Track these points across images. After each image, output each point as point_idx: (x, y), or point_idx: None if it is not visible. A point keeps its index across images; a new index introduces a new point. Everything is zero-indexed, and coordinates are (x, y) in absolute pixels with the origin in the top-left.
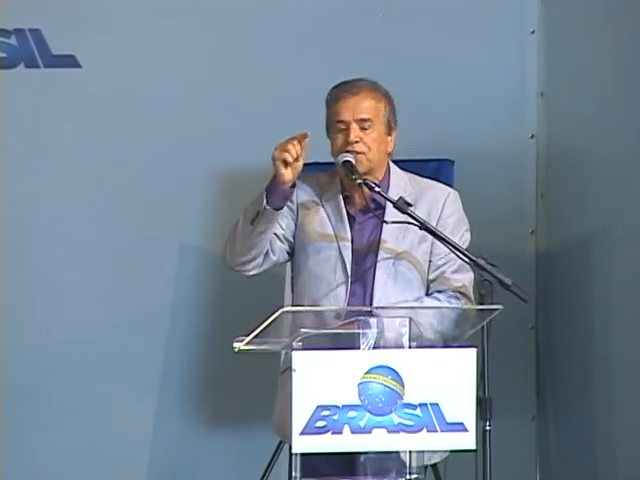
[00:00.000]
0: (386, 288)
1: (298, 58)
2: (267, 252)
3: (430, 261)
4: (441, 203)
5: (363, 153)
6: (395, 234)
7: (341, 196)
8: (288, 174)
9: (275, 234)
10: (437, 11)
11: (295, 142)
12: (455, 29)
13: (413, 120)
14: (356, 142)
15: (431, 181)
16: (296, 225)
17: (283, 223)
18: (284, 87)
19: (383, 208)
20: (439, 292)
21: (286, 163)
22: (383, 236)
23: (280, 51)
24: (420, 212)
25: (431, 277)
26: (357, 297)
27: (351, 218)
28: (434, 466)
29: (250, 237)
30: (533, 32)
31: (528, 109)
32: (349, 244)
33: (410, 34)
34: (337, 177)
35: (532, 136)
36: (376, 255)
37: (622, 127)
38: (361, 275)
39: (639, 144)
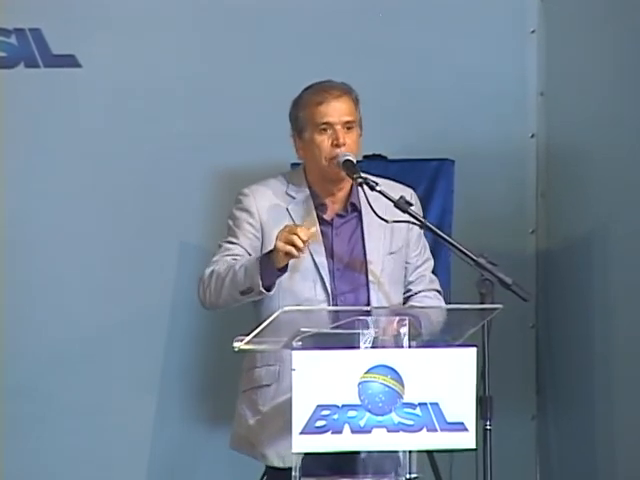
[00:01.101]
0: (381, 290)
1: (298, 57)
2: None
3: (407, 262)
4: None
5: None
6: (376, 239)
7: (313, 204)
8: (286, 261)
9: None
10: (437, 11)
11: (303, 236)
12: (455, 29)
13: (413, 120)
14: (344, 144)
15: (390, 181)
16: (262, 242)
17: (247, 245)
18: (284, 87)
19: (359, 211)
20: (425, 291)
21: (288, 254)
22: (367, 244)
23: (280, 50)
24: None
25: (411, 278)
26: (348, 303)
27: (326, 223)
28: (432, 463)
29: (236, 302)
30: (533, 32)
31: (528, 108)
32: (323, 254)
33: (410, 34)
34: (303, 182)
35: (532, 135)
36: (364, 254)
37: (622, 126)
38: (352, 279)
39: (639, 143)
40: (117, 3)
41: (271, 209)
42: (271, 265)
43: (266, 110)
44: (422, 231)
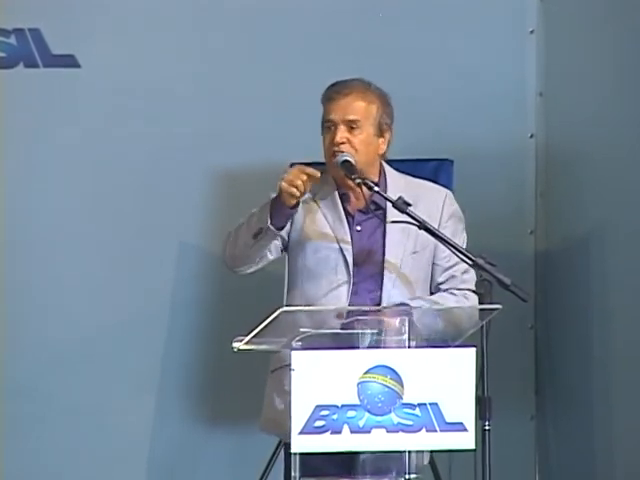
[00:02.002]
0: (394, 288)
1: (298, 57)
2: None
3: (435, 264)
4: (440, 205)
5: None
6: (398, 238)
7: (337, 195)
8: (292, 201)
9: None
10: (436, 11)
11: (305, 178)
12: (454, 29)
13: (412, 120)
14: (342, 143)
15: (426, 182)
16: (291, 223)
17: None
18: (284, 87)
19: (383, 209)
20: (453, 289)
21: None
22: (388, 242)
23: (280, 51)
24: (419, 214)
25: (440, 279)
26: (360, 297)
27: (349, 217)
28: (432, 464)
29: (251, 248)
30: (532, 32)
31: (527, 109)
32: (349, 244)
33: (409, 34)
34: (329, 175)
35: (531, 136)
36: (382, 252)
37: (621, 127)
38: (365, 279)
39: (638, 144)
40: (116, 3)
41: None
42: (280, 205)
43: (266, 111)
44: (462, 233)
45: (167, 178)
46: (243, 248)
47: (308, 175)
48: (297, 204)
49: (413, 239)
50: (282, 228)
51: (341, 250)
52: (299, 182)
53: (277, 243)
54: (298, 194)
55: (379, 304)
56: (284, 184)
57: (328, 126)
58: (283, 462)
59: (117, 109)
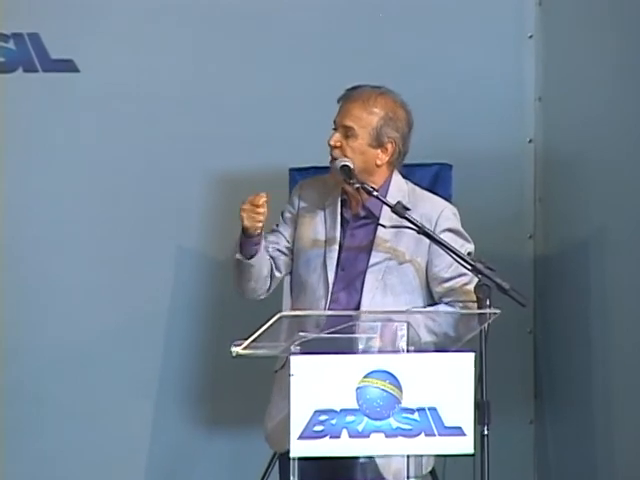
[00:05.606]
0: (375, 297)
1: (297, 60)
2: (272, 274)
3: (432, 277)
4: (434, 220)
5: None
6: (387, 246)
7: (339, 200)
8: (254, 227)
9: (278, 250)
10: (435, 16)
11: (259, 208)
12: (453, 34)
13: None
14: (335, 147)
15: (431, 195)
16: (295, 231)
17: (287, 234)
18: (282, 89)
19: (377, 217)
20: (453, 302)
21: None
22: (374, 250)
23: (279, 53)
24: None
25: (439, 289)
26: (340, 304)
27: (345, 222)
28: (432, 472)
29: (242, 275)
30: (531, 37)
31: (526, 113)
32: (336, 251)
33: (408, 38)
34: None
35: (530, 140)
36: (367, 260)
37: (620, 131)
38: (350, 281)
39: (637, 148)
40: (115, 8)
41: (312, 201)
42: (243, 234)
43: (265, 115)
44: (457, 244)
45: (166, 182)
46: (237, 276)
47: (259, 203)
48: (261, 232)
49: (402, 249)
50: (253, 256)
51: (327, 257)
52: (254, 214)
53: (286, 259)
54: (260, 225)
55: (358, 308)
56: (244, 213)
57: (333, 127)
58: (280, 466)
59: (116, 113)
